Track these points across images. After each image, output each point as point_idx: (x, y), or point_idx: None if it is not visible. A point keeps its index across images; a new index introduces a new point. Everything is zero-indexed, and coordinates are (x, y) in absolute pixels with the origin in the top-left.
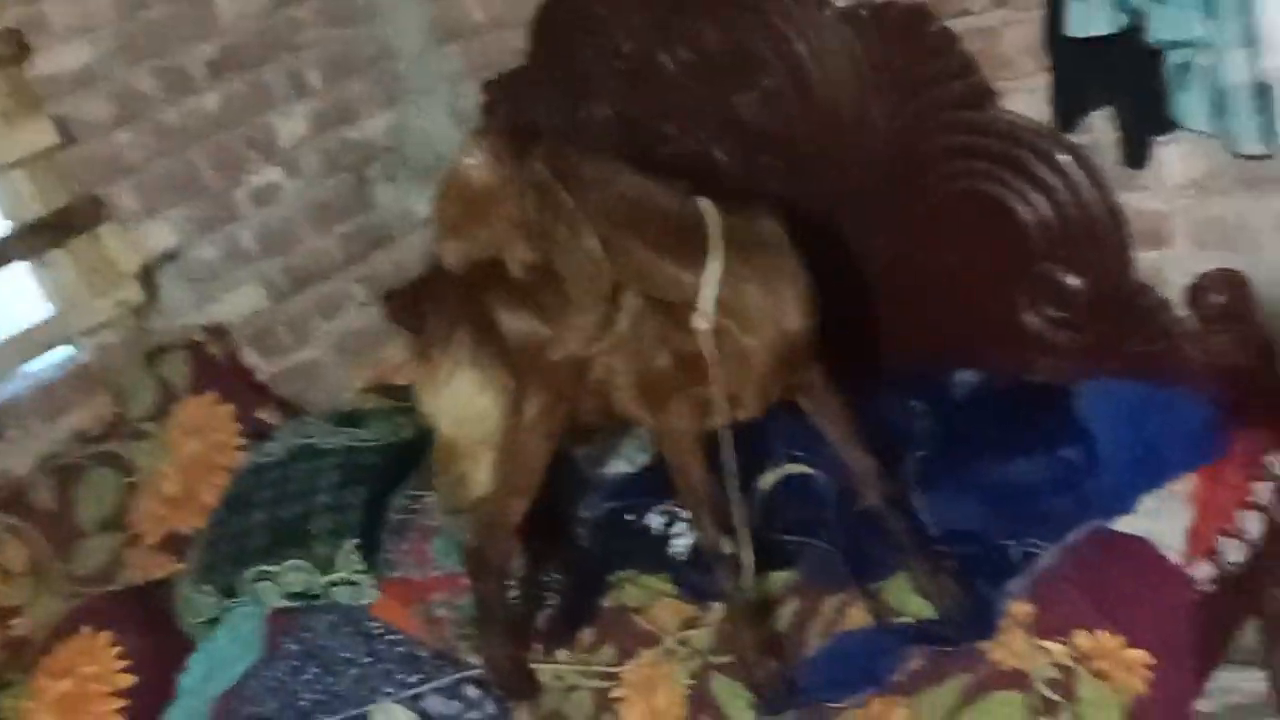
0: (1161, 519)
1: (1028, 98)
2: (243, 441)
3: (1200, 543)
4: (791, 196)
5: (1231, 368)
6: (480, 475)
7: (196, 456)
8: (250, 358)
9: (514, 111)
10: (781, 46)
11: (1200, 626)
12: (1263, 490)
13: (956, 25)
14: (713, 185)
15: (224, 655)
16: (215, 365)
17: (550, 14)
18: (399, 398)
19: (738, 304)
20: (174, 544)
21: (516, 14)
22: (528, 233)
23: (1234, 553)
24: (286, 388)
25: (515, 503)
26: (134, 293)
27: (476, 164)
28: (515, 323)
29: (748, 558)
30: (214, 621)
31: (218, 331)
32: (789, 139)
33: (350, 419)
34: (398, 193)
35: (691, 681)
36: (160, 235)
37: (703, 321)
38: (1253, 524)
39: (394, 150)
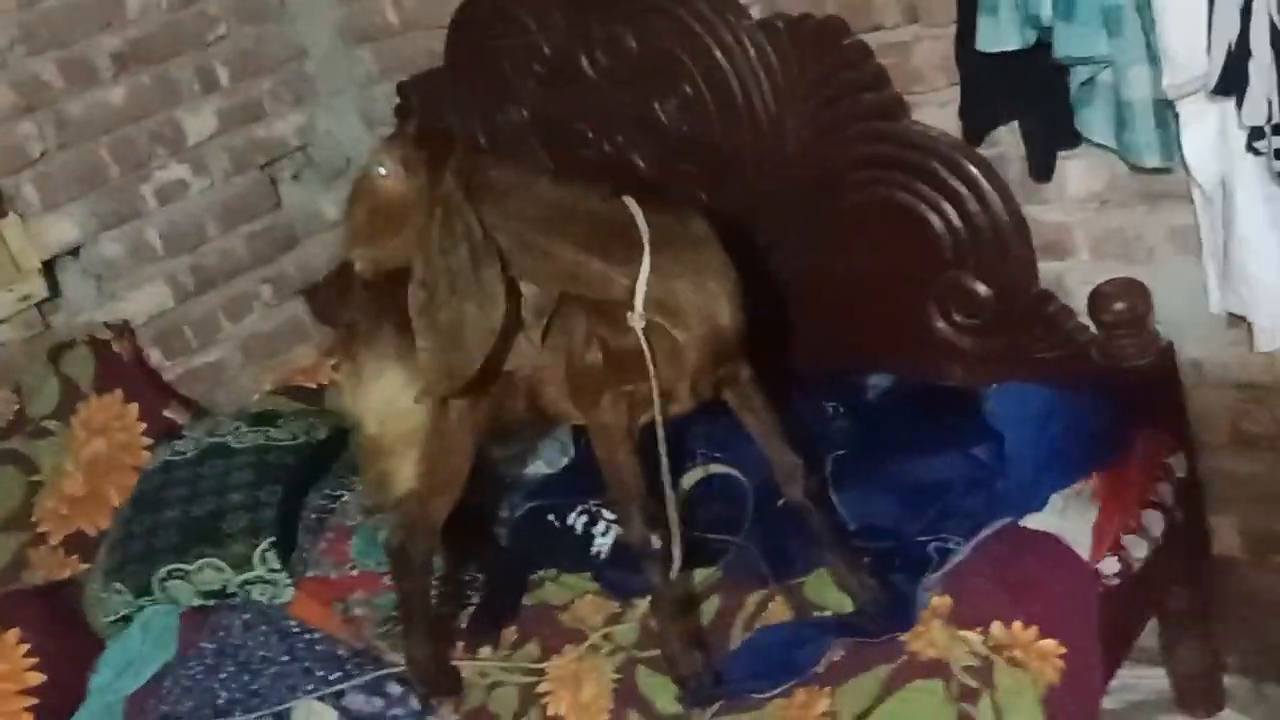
0: (1069, 516)
1: (938, 111)
2: (149, 441)
3: (1106, 539)
4: (709, 201)
5: (1132, 372)
6: (405, 472)
7: (101, 456)
8: (154, 357)
9: (429, 113)
10: (700, 54)
11: (1108, 619)
12: (1164, 489)
13: (870, 39)
14: (634, 188)
15: (136, 654)
16: (120, 363)
17: (469, 16)
18: (308, 400)
19: (669, 301)
20: (79, 544)
21: (431, 16)
22: (428, 252)
23: (1138, 549)
24: (191, 389)
25: (439, 501)
26: (36, 288)
27: (387, 175)
28: None
29: (678, 551)
30: (125, 620)
31: (122, 329)
32: (707, 145)
33: (263, 419)
34: (306, 194)
35: (617, 675)
36: (63, 230)
37: (638, 320)
38: (1155, 522)
39: (303, 151)
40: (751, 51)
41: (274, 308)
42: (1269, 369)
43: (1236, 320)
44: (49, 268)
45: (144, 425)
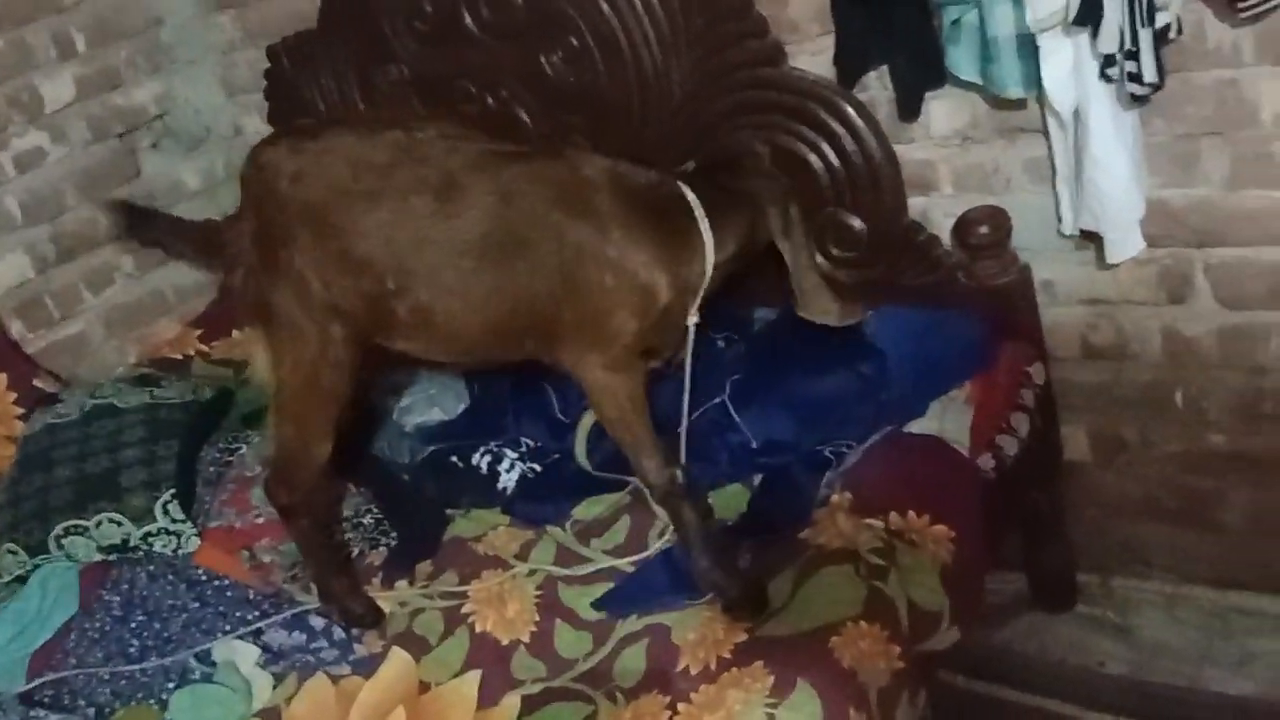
0: (948, 419)
1: (812, 59)
2: (20, 411)
3: (982, 438)
4: (595, 150)
5: (996, 290)
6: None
7: None
8: (15, 329)
9: (301, 77)
10: (587, 8)
11: (988, 506)
12: (1028, 395)
13: None
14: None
15: (36, 611)
16: None
17: None
18: (176, 371)
19: None
20: None
21: None
22: None
23: (1010, 447)
24: (54, 362)
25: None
26: None
27: None
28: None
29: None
30: (21, 581)
31: None
32: (594, 97)
33: (145, 380)
34: (166, 163)
35: (539, 592)
36: None
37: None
38: (1022, 423)
39: (161, 120)
40: (638, 4)
41: (136, 279)
42: (1113, 285)
43: (1085, 242)
44: None
45: (14, 395)
